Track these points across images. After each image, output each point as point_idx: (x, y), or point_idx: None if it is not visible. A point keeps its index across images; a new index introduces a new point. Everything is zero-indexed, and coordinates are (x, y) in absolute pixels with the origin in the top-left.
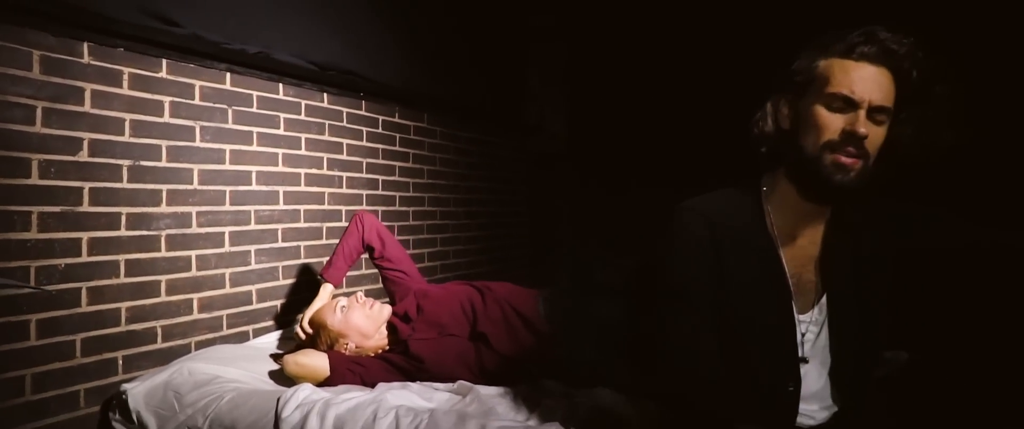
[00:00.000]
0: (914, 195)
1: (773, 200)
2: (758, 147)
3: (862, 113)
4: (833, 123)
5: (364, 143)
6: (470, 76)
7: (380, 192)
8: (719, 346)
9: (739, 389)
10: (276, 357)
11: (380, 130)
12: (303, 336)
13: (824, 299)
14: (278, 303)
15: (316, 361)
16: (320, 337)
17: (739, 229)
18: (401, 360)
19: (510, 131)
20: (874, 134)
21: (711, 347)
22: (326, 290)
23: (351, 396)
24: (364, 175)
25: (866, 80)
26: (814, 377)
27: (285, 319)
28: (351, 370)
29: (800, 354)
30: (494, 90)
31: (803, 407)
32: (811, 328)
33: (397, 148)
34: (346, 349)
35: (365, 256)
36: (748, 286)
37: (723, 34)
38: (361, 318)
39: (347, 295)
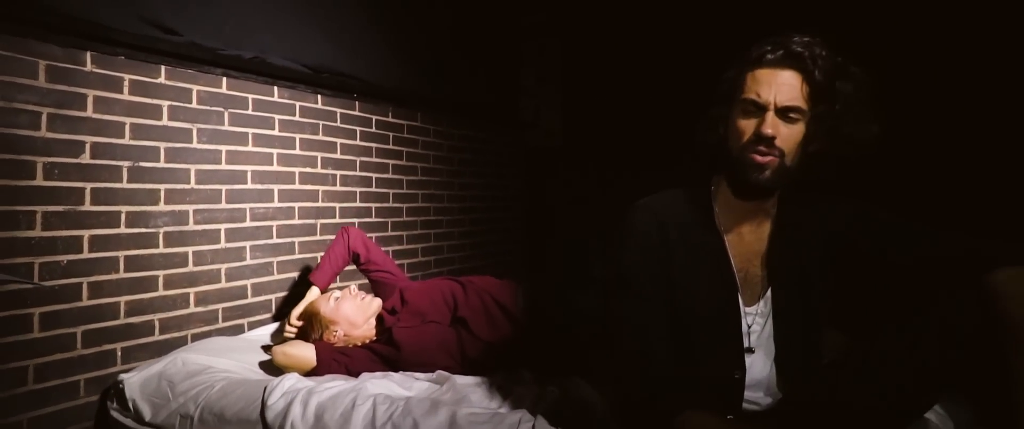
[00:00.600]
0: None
1: (719, 200)
2: (702, 155)
3: (769, 115)
4: (747, 127)
5: (358, 142)
6: (463, 75)
7: (374, 189)
8: (668, 334)
9: (687, 376)
10: (267, 349)
11: (373, 129)
12: (293, 332)
13: (769, 292)
14: (272, 297)
15: (303, 352)
16: (311, 325)
17: (687, 226)
18: (384, 348)
19: (504, 128)
20: (785, 132)
21: (660, 332)
22: (313, 292)
23: (333, 385)
24: (358, 173)
25: (772, 84)
26: (760, 366)
27: (279, 313)
28: (337, 359)
29: (747, 344)
30: (487, 88)
31: (749, 394)
32: (757, 319)
33: (391, 147)
34: (335, 337)
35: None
36: (696, 279)
37: (715, 27)
38: (351, 308)
39: (341, 288)
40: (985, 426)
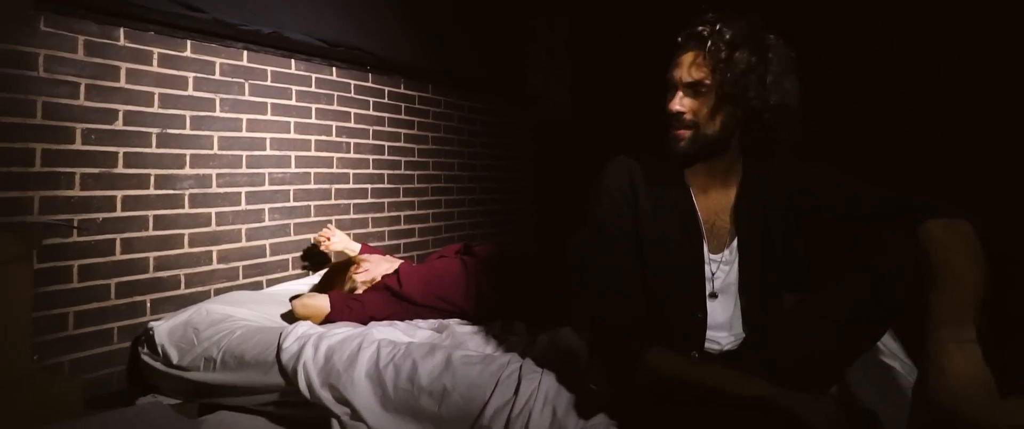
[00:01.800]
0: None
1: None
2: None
3: (678, 92)
4: (666, 106)
5: (371, 112)
6: (473, 50)
7: (386, 157)
8: (639, 278)
9: (656, 316)
10: (286, 302)
11: (386, 100)
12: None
13: (735, 242)
14: (289, 257)
15: (319, 301)
16: (336, 274)
17: (660, 182)
18: (393, 280)
19: (512, 101)
20: (692, 105)
21: (631, 276)
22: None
23: (341, 331)
24: (371, 141)
25: (680, 65)
26: (722, 309)
27: (295, 271)
28: (349, 306)
29: (711, 289)
30: (497, 62)
31: (712, 334)
32: (722, 267)
33: (403, 116)
34: (359, 272)
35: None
36: (665, 229)
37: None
38: (378, 259)
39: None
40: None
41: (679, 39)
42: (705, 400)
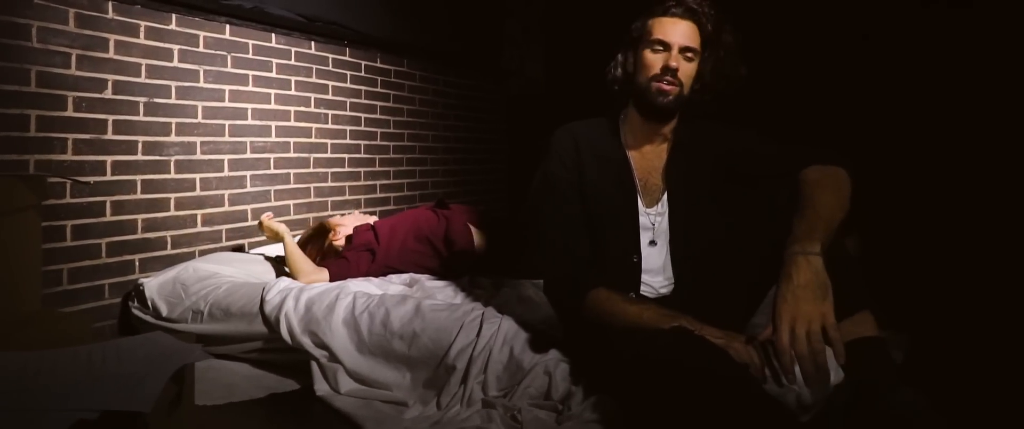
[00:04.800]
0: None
1: (625, 125)
2: (612, 88)
3: (674, 52)
4: (655, 61)
5: (348, 85)
6: (449, 24)
7: (363, 128)
8: (583, 228)
9: (598, 261)
10: (267, 262)
11: (363, 73)
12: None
13: (665, 196)
14: None
15: (321, 276)
16: (317, 234)
17: (599, 144)
18: (369, 235)
19: (488, 75)
20: (684, 67)
21: (576, 226)
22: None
23: (319, 285)
24: (348, 113)
25: (675, 29)
26: (656, 256)
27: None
28: (342, 271)
29: (651, 238)
30: (473, 37)
31: (648, 279)
32: (655, 218)
33: (379, 90)
34: (337, 239)
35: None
36: (604, 184)
37: None
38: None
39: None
40: None
41: (673, 7)
42: (639, 332)
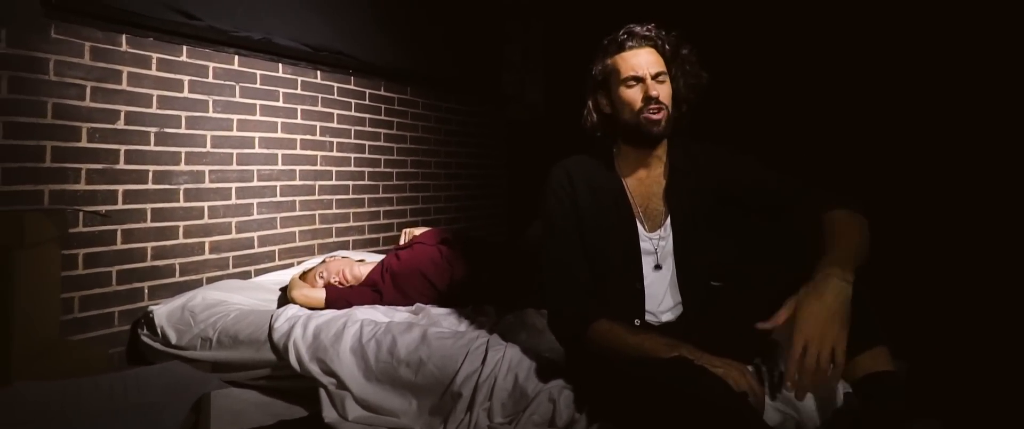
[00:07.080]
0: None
1: (619, 157)
2: (593, 135)
3: (649, 81)
4: (635, 96)
5: (353, 113)
6: (449, 53)
7: (367, 155)
8: (584, 261)
9: (601, 292)
10: (283, 289)
11: (367, 102)
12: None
13: (668, 220)
14: (276, 248)
15: (316, 293)
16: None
17: (594, 175)
18: (376, 272)
19: (487, 101)
20: (663, 91)
21: (577, 260)
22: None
23: (327, 313)
24: (352, 140)
25: (641, 60)
26: (661, 280)
27: (282, 262)
28: (342, 297)
29: (656, 262)
30: (473, 64)
31: (652, 305)
32: (658, 242)
33: (382, 117)
34: (325, 272)
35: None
36: (602, 215)
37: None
38: (340, 263)
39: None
40: None
41: (629, 41)
42: (640, 362)
